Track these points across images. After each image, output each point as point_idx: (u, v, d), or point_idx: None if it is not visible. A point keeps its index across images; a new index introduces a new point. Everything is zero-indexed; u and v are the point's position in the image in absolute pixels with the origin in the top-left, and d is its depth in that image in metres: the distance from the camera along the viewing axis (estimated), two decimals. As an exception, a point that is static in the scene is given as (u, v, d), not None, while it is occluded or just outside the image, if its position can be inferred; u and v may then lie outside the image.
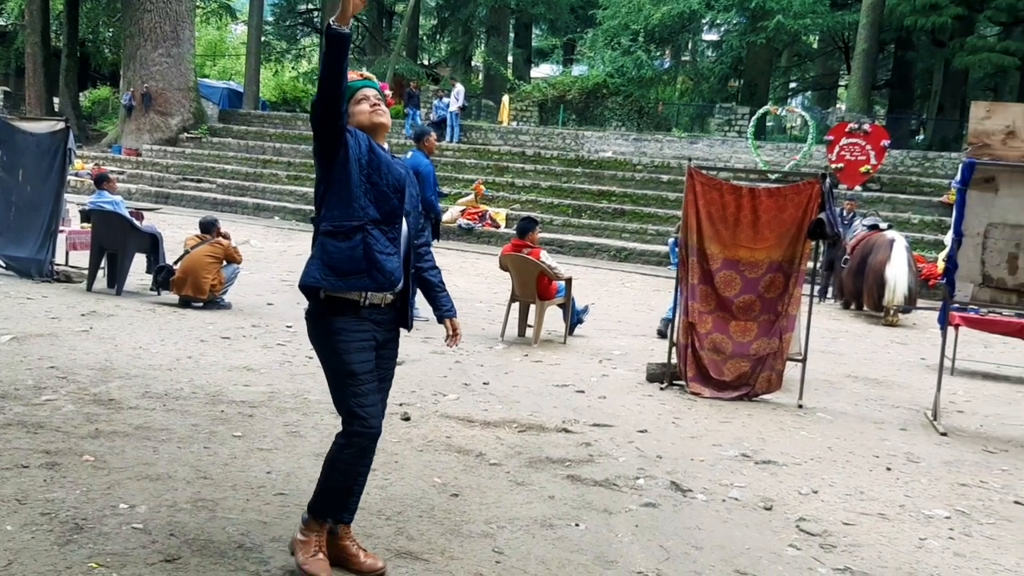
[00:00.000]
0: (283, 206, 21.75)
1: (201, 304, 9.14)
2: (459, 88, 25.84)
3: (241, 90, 33.29)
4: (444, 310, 3.77)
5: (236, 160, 25.32)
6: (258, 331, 8.32)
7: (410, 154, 9.15)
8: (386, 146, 3.54)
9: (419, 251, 3.71)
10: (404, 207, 3.50)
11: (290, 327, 8.57)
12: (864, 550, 4.22)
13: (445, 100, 25.71)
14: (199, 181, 24.07)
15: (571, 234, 19.51)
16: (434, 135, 9.88)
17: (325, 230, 3.37)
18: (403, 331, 3.66)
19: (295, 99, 37.38)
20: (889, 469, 5.59)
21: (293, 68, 41.81)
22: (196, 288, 9.03)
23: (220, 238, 9.41)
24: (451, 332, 3.80)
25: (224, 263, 9.30)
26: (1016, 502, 5.11)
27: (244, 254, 9.98)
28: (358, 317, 3.40)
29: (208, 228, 9.50)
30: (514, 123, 28.00)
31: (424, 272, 3.73)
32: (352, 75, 3.43)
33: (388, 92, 3.62)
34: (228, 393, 6.07)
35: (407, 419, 5.71)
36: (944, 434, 6.54)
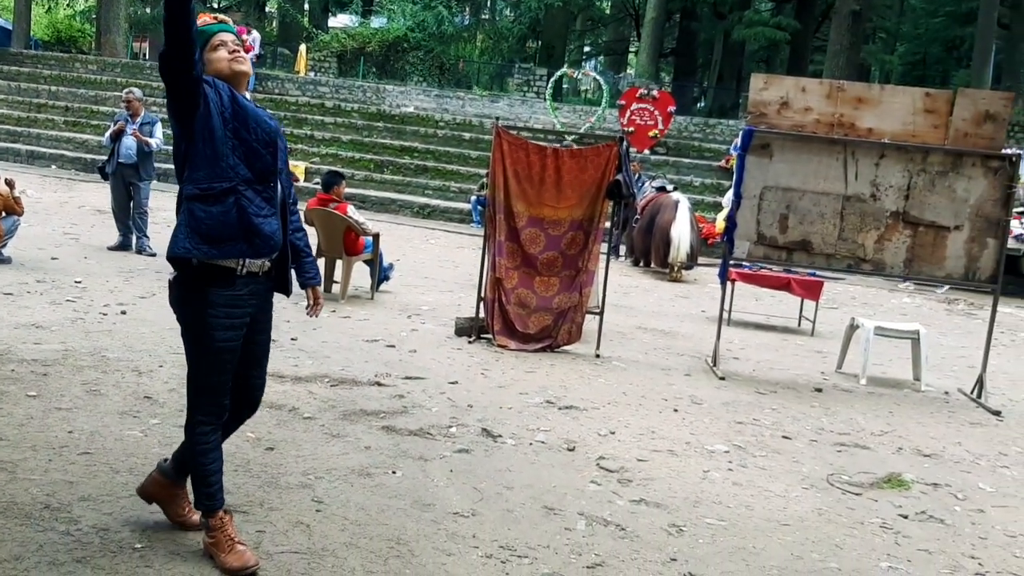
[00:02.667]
0: (61, 154, 20.11)
1: (-24, 258, 8.45)
2: (255, 35, 24.80)
3: (9, 27, 30.32)
4: (308, 277, 3.65)
5: (6, 103, 23.11)
6: (44, 287, 7.82)
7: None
8: (249, 96, 3.32)
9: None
10: (278, 163, 3.31)
11: (79, 282, 8.11)
12: (656, 483, 4.64)
13: (239, 47, 24.61)
14: (-39, 125, 21.86)
15: (373, 189, 19.35)
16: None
17: (191, 194, 3.11)
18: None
19: (71, 39, 34.48)
20: (676, 411, 6.11)
21: (69, 6, 38.41)
22: (-31, 241, 8.33)
23: (-1, 187, 8.70)
24: (312, 301, 3.70)
25: (3, 214, 8.61)
26: (784, 436, 5.75)
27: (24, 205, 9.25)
28: (234, 289, 3.20)
29: (-16, 176, 8.75)
30: (312, 74, 27.21)
31: (290, 235, 3.45)
32: (206, 18, 3.22)
33: (246, 37, 3.45)
34: (17, 351, 5.72)
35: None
36: (723, 378, 7.19)
